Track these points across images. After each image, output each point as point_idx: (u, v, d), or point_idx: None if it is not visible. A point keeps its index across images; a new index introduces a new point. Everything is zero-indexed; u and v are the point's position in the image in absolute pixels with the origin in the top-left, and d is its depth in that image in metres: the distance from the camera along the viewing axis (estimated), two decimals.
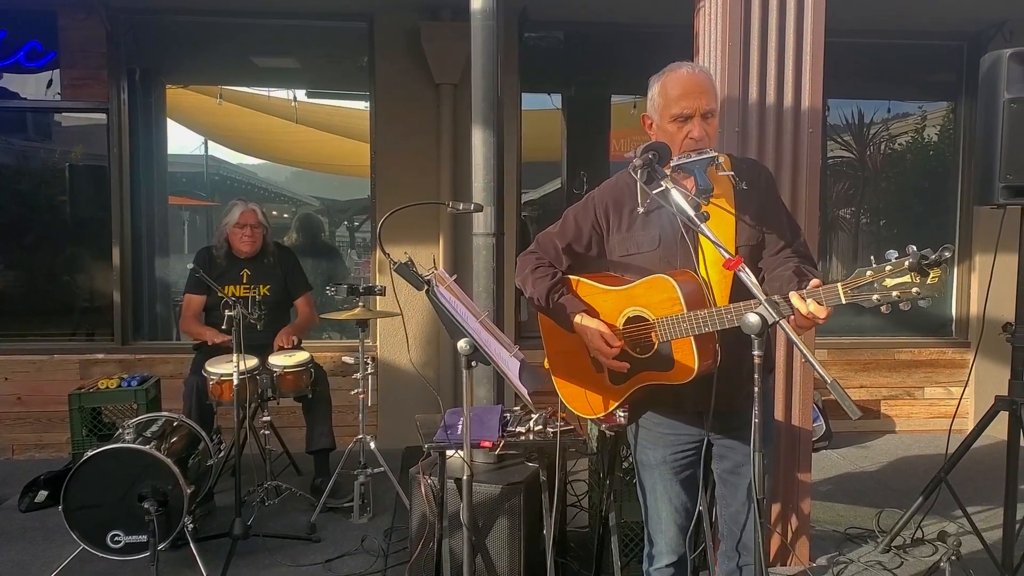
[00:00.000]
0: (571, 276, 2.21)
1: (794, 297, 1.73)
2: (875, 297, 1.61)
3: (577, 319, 2.08)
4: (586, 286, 2.16)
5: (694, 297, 1.93)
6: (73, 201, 5.18)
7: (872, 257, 1.63)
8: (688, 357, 1.94)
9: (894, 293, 1.59)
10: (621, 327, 2.06)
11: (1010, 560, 3.14)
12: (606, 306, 2.10)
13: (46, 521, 3.70)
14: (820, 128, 3.16)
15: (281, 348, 4.02)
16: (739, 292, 1.86)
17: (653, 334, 1.98)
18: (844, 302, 1.67)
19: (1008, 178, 3.01)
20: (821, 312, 1.70)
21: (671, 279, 1.94)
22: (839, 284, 1.67)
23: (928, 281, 1.55)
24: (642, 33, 5.16)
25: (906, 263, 1.56)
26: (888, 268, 1.59)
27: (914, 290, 1.57)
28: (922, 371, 5.50)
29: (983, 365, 4.77)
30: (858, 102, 5.70)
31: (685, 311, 1.90)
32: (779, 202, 2.17)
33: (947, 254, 1.52)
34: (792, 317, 1.73)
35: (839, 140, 5.75)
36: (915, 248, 1.56)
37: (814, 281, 1.75)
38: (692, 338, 1.91)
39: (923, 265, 1.54)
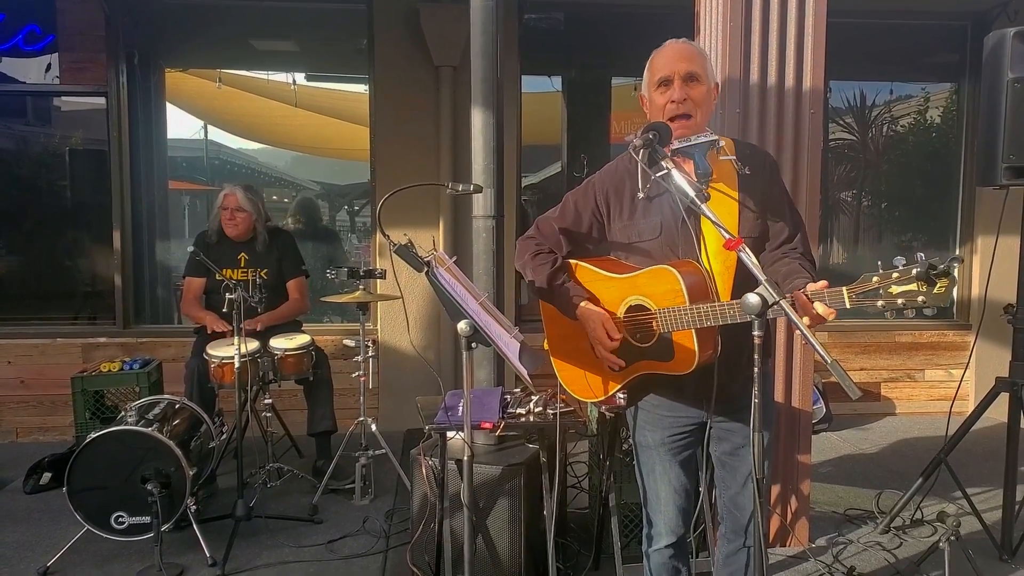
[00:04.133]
0: (572, 260, 2.16)
1: (799, 297, 1.71)
2: (880, 303, 1.59)
3: (581, 306, 2.05)
4: (587, 271, 2.12)
5: (697, 289, 1.89)
6: (73, 186, 5.18)
7: (879, 262, 1.61)
8: (689, 348, 1.91)
9: (899, 300, 1.56)
10: (622, 315, 2.03)
11: (1009, 541, 3.16)
12: (608, 293, 2.06)
13: (51, 503, 3.73)
14: (821, 109, 3.13)
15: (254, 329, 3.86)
16: (742, 283, 1.82)
17: (654, 323, 1.96)
18: (848, 307, 1.66)
19: (1011, 159, 3.00)
20: (821, 309, 1.69)
21: (675, 270, 1.90)
22: (844, 289, 1.65)
23: (935, 291, 1.53)
24: (643, 14, 5.12)
25: (913, 271, 1.53)
26: (895, 275, 1.56)
27: (920, 299, 1.54)
28: (923, 353, 5.50)
29: (984, 347, 4.77)
30: (860, 84, 5.67)
31: (688, 303, 1.86)
32: (783, 192, 2.12)
33: (956, 264, 1.49)
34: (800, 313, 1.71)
35: (841, 122, 5.73)
36: (923, 256, 1.54)
37: (822, 282, 1.73)
38: (693, 330, 1.88)
39: (931, 275, 1.51)
